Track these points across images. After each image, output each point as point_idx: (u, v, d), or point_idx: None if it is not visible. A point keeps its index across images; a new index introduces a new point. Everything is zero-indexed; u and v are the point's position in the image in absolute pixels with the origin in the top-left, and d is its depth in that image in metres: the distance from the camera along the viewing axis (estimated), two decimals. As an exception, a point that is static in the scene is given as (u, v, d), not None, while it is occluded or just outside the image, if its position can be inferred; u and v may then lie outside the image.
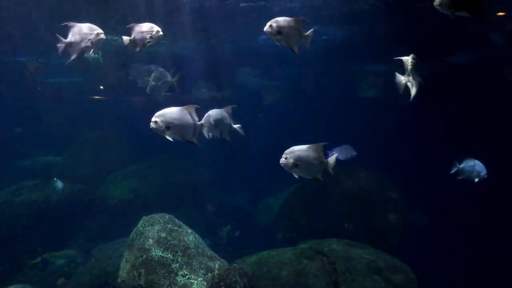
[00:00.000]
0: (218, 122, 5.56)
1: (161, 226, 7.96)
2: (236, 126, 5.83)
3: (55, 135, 18.31)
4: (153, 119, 5.08)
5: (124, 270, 7.69)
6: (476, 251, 11.73)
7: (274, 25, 5.28)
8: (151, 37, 5.77)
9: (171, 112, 5.17)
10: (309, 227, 11.12)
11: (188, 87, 13.87)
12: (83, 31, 5.58)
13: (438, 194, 12.58)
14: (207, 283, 7.23)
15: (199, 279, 7.28)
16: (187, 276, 7.26)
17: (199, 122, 5.34)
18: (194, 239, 8.04)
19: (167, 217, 8.30)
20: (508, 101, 11.52)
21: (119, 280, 7.71)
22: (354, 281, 7.67)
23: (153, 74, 8.24)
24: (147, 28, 5.79)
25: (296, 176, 5.40)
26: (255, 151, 18.59)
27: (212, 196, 15.68)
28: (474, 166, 6.87)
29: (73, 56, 5.65)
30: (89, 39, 5.62)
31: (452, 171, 6.92)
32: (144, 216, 8.35)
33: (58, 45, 5.57)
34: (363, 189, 11.18)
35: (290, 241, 10.73)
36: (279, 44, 5.36)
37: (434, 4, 4.37)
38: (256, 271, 7.96)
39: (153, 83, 8.09)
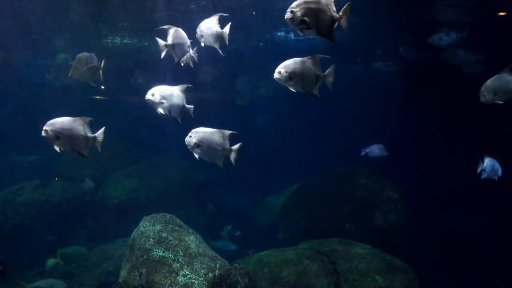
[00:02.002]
0: (167, 99, 5.44)
1: (162, 226, 7.95)
2: (188, 106, 5.67)
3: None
4: (44, 127, 4.96)
5: (125, 270, 7.69)
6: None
7: (283, 71, 4.76)
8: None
9: (62, 122, 5.07)
10: (310, 227, 11.12)
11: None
12: (183, 35, 5.65)
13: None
14: (208, 283, 7.23)
15: (200, 279, 7.28)
16: (188, 276, 7.25)
17: (92, 135, 5.27)
18: (195, 239, 8.04)
19: (168, 217, 8.30)
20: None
21: (120, 280, 7.70)
22: (355, 281, 7.66)
23: (77, 56, 7.29)
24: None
25: (196, 157, 5.31)
26: (255, 151, 18.60)
27: (213, 196, 15.69)
28: (494, 165, 6.86)
29: (176, 59, 5.73)
30: (188, 44, 5.74)
31: (478, 170, 6.89)
32: (145, 216, 8.35)
33: (160, 48, 5.59)
34: (364, 189, 11.18)
35: (291, 241, 10.73)
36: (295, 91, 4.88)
37: (285, 18, 4.38)
38: (257, 271, 7.96)
39: (78, 66, 7.18)
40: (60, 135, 4.99)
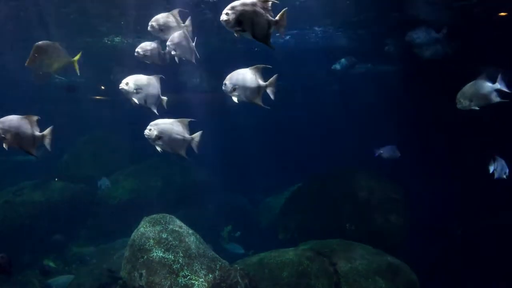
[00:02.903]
0: (142, 88, 5.38)
1: (162, 226, 7.93)
2: (162, 98, 5.63)
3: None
4: None
5: (125, 271, 7.67)
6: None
7: (227, 83, 5.00)
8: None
9: (10, 120, 5.07)
10: (311, 228, 11.11)
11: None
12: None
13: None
14: (208, 284, 7.22)
15: (200, 280, 7.26)
16: (188, 277, 7.24)
17: (39, 133, 5.24)
18: (195, 240, 8.02)
19: (168, 217, 8.28)
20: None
21: (119, 280, 7.69)
22: (356, 282, 7.65)
23: (34, 45, 6.51)
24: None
25: (158, 150, 5.30)
26: (255, 151, 18.61)
27: (213, 196, 15.67)
28: (503, 164, 6.86)
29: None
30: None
31: (491, 171, 6.87)
32: (145, 217, 8.33)
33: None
34: (364, 189, 11.16)
35: (291, 241, 10.72)
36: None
37: (220, 19, 4.38)
38: (257, 272, 7.95)
39: (36, 55, 6.43)
40: (7, 133, 4.99)
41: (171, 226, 8.01)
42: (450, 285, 10.91)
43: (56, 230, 13.05)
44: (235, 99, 5.04)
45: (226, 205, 15.69)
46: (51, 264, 11.61)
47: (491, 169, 6.76)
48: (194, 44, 5.77)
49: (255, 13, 4.32)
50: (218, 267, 7.57)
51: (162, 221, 8.10)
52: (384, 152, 9.59)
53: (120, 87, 5.36)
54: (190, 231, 8.22)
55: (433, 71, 11.55)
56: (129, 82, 5.34)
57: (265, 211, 15.40)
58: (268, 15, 4.37)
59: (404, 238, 10.71)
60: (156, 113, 5.57)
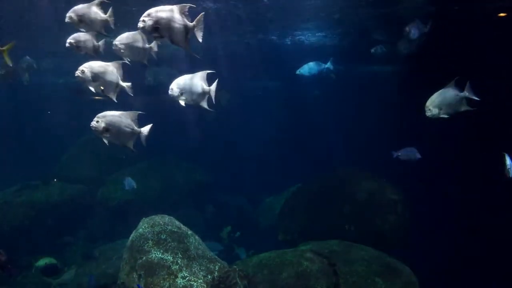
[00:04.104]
0: (99, 76, 5.23)
1: (161, 227, 7.92)
2: (125, 84, 5.50)
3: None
4: None
5: (123, 272, 7.65)
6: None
7: (174, 88, 5.21)
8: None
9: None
10: (310, 228, 11.09)
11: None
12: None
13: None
14: (207, 285, 7.20)
15: (199, 281, 7.25)
16: (187, 278, 7.22)
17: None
18: (194, 241, 8.01)
19: (167, 218, 8.27)
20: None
21: (118, 282, 7.67)
22: (355, 283, 7.63)
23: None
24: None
25: (105, 142, 5.22)
26: (255, 151, 18.59)
27: (213, 197, 15.67)
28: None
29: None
30: None
31: (506, 171, 6.82)
32: (144, 218, 8.32)
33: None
34: (364, 190, 11.14)
35: (291, 242, 10.70)
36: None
37: (138, 26, 4.51)
38: (257, 273, 7.93)
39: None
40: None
41: (170, 227, 8.00)
42: (450, 285, 10.90)
43: (56, 230, 13.04)
44: (182, 102, 5.26)
45: (225, 205, 15.69)
46: (51, 260, 11.57)
47: (508, 166, 6.65)
48: (154, 44, 5.61)
49: (171, 19, 4.44)
50: (217, 268, 7.56)
51: (161, 222, 8.08)
52: (402, 154, 9.06)
53: (76, 75, 5.20)
54: (189, 232, 8.20)
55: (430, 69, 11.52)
56: (85, 70, 5.19)
57: (265, 211, 15.38)
58: (185, 20, 4.50)
59: (404, 239, 10.69)
60: (115, 100, 5.42)
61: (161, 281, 7.13)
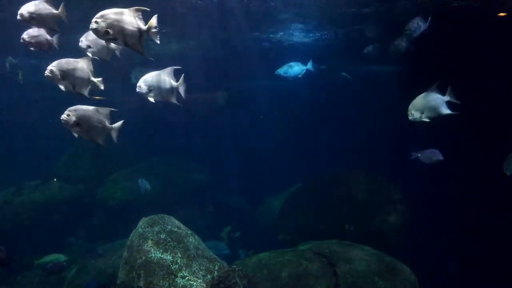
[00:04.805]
0: (68, 74, 5.13)
1: (161, 227, 7.92)
2: (96, 79, 5.38)
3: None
4: None
5: (123, 272, 7.65)
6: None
7: (142, 85, 5.33)
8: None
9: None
10: (310, 228, 11.09)
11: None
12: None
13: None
14: (207, 285, 7.20)
15: (199, 280, 7.25)
16: (186, 278, 7.22)
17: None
18: (194, 241, 8.00)
19: (166, 218, 8.27)
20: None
21: (118, 281, 7.67)
22: (355, 283, 7.62)
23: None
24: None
25: (75, 136, 5.16)
26: (255, 151, 18.58)
27: (212, 197, 15.66)
28: None
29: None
30: None
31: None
32: (143, 218, 8.32)
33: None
34: (364, 190, 11.14)
35: (290, 242, 10.69)
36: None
37: (90, 28, 4.48)
38: (256, 272, 7.92)
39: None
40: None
41: (169, 227, 8.00)
42: (450, 285, 10.90)
43: (56, 230, 13.04)
44: (151, 99, 5.37)
45: (225, 205, 15.68)
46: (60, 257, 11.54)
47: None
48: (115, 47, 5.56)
49: (124, 21, 4.39)
50: (216, 268, 7.56)
51: (160, 221, 8.08)
52: (423, 155, 8.64)
53: (45, 75, 5.15)
54: (189, 232, 8.20)
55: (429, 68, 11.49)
56: (53, 69, 5.12)
57: (264, 211, 15.38)
58: (139, 23, 4.44)
59: (404, 239, 10.69)
60: (88, 97, 5.36)
61: (161, 281, 7.13)
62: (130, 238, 8.02)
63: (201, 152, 16.98)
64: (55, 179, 14.31)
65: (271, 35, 12.78)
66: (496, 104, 11.84)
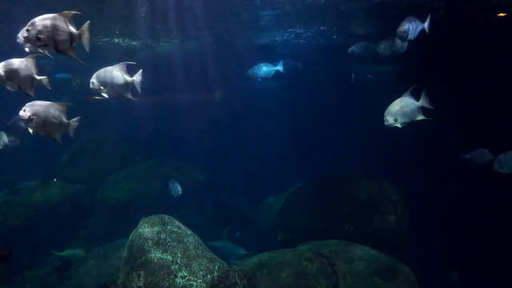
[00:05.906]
0: (13, 73, 5.02)
1: (161, 227, 7.92)
2: (41, 78, 5.22)
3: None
4: None
5: (123, 272, 7.66)
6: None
7: (94, 81, 5.32)
8: None
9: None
10: (310, 228, 11.08)
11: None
12: None
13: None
14: (207, 285, 7.20)
15: (199, 280, 7.25)
16: (186, 278, 7.22)
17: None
18: (193, 241, 8.01)
19: (166, 218, 8.27)
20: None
21: (118, 281, 7.67)
22: (354, 283, 7.62)
23: None
24: None
25: (30, 131, 5.14)
26: (254, 151, 18.57)
27: (212, 197, 15.64)
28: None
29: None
30: None
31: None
32: (143, 218, 8.32)
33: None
34: (363, 190, 11.13)
35: (290, 242, 10.68)
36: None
37: (22, 36, 4.55)
38: (256, 272, 7.92)
39: None
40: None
41: (169, 227, 8.01)
42: (450, 285, 10.89)
43: (56, 231, 13.03)
44: (105, 95, 5.36)
45: (225, 205, 15.66)
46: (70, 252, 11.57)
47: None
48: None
49: (55, 27, 4.41)
50: (216, 268, 7.56)
51: (160, 221, 8.09)
52: (474, 156, 8.48)
53: None
54: (189, 232, 8.21)
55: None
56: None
57: (264, 211, 15.36)
58: (70, 28, 4.47)
59: (404, 239, 10.69)
60: (33, 95, 5.24)
61: (161, 281, 7.13)
62: (130, 238, 8.03)
63: (201, 152, 16.99)
64: (55, 179, 14.30)
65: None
66: (496, 104, 11.86)
